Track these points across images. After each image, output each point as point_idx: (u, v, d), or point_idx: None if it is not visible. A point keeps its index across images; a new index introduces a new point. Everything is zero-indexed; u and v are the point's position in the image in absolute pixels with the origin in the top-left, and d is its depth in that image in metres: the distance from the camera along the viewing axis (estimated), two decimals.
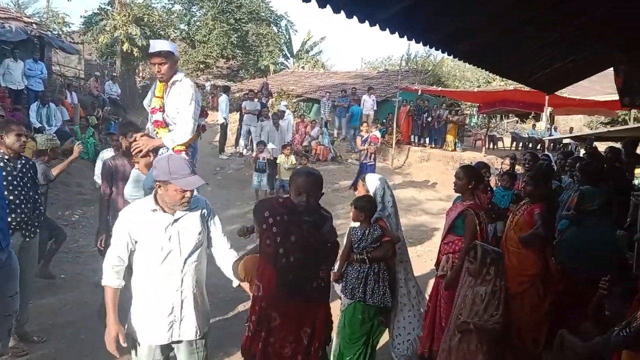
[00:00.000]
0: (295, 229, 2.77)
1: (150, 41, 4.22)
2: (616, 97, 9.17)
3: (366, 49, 78.23)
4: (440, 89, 22.29)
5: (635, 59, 6.16)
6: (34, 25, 15.85)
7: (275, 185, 11.49)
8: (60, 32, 23.11)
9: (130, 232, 2.84)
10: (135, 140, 4.15)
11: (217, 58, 29.35)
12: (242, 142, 15.64)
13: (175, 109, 4.09)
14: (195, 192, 3.01)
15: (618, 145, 10.37)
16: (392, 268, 4.05)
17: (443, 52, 4.87)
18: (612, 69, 7.23)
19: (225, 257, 3.18)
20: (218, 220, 3.18)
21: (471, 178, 4.39)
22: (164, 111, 4.18)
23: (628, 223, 6.64)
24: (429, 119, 17.98)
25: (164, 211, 2.86)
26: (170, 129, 4.15)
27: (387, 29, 3.61)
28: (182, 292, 2.88)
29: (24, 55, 13.33)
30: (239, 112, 16.10)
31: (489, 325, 3.21)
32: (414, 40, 4.17)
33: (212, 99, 21.85)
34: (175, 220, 2.87)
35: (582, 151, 11.39)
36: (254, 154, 12.19)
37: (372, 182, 4.28)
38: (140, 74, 26.29)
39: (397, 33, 3.75)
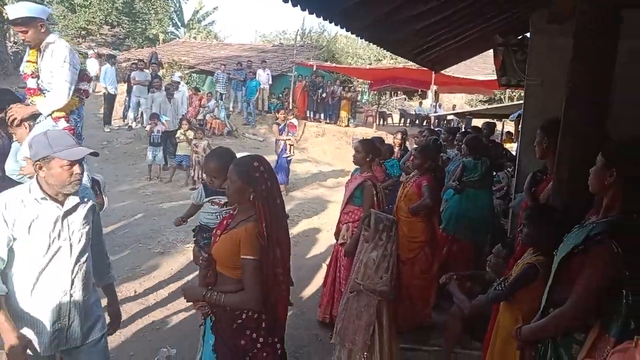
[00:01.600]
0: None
1: (6, 7, 3.85)
2: (494, 77, 9.93)
3: (260, 22, 77.23)
4: (334, 65, 22.69)
5: (512, 43, 6.69)
6: None
7: (174, 160, 11.09)
8: None
9: (10, 225, 2.33)
10: (10, 109, 3.79)
11: (101, 24, 27.41)
12: (131, 114, 14.83)
13: (49, 72, 3.82)
14: (84, 180, 2.67)
15: (494, 121, 11.29)
16: None
17: (341, 26, 4.93)
18: (491, 50, 7.81)
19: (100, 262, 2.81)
20: (99, 218, 2.83)
21: (369, 151, 4.59)
22: (38, 77, 3.89)
23: (504, 192, 7.32)
24: (324, 95, 18.26)
25: (53, 200, 2.42)
26: (46, 95, 3.87)
27: (289, 2, 3.58)
28: (71, 295, 2.48)
29: None
30: (126, 83, 15.22)
31: (378, 287, 3.40)
32: (314, 14, 4.18)
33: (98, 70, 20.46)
34: (67, 213, 2.45)
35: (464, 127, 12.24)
36: (146, 127, 11.64)
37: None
38: (12, 39, 23.85)
39: (298, 6, 3.74)
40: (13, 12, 3.70)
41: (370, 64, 28.19)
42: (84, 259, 2.55)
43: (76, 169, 2.41)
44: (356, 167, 4.84)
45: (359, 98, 22.40)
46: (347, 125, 18.30)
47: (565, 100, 2.82)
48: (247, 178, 2.41)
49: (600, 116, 2.72)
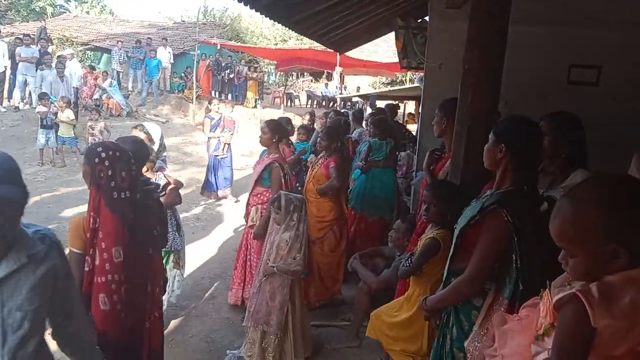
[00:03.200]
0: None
1: None
2: (396, 59, 10.23)
3: None
4: (239, 44, 22.26)
5: (412, 26, 6.93)
6: None
7: (58, 142, 10.38)
8: None
9: None
10: None
11: None
12: (17, 94, 13.64)
13: None
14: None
15: (397, 103, 11.71)
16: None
17: (244, 4, 4.83)
18: (393, 33, 8.04)
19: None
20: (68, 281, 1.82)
21: (275, 132, 4.58)
22: None
23: (405, 171, 7.63)
24: (231, 75, 17.90)
25: None
26: None
27: None
28: None
29: None
30: (10, 60, 13.93)
31: (292, 268, 3.44)
32: None
33: None
34: None
35: (369, 109, 12.56)
36: (36, 108, 10.76)
37: (153, 129, 4.31)
38: None
39: None
40: None
41: (276, 44, 27.98)
42: (24, 351, 1.64)
43: None
44: (264, 148, 4.82)
45: (265, 79, 22.22)
46: (255, 107, 18.11)
47: (461, 82, 2.98)
48: (88, 163, 2.24)
49: (492, 97, 2.90)
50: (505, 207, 1.98)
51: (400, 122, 14.01)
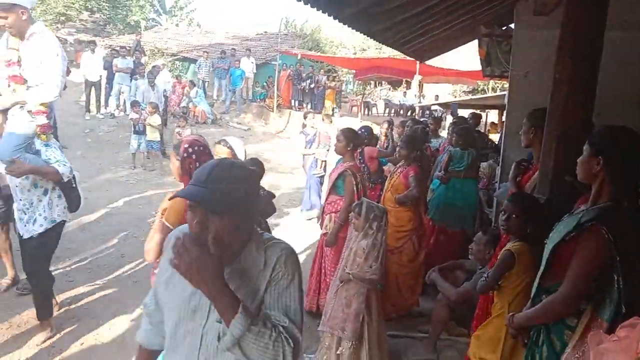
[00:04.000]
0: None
1: None
2: (478, 67, 9.99)
3: (244, 10, 76.40)
4: (319, 54, 22.61)
5: (496, 33, 6.74)
6: None
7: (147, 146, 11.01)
8: None
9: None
10: None
11: (80, 10, 26.92)
12: (113, 102, 14.64)
13: (35, 63, 3.69)
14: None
15: (479, 112, 11.39)
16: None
17: (328, 14, 4.91)
18: (476, 41, 7.86)
19: None
20: None
21: (350, 140, 4.59)
22: (21, 65, 3.74)
23: (487, 182, 7.40)
24: (312, 85, 18.21)
25: None
26: (29, 85, 3.74)
27: None
28: None
29: None
30: (107, 70, 14.98)
31: (367, 276, 3.44)
32: (302, 1, 4.15)
33: (76, 55, 20.09)
34: None
35: (450, 118, 12.31)
36: (129, 115, 11.51)
37: (236, 144, 4.43)
38: None
39: None
40: None
41: (355, 53, 28.15)
42: None
43: None
44: (340, 157, 4.85)
45: (343, 87, 22.39)
46: (332, 115, 18.31)
47: (552, 91, 2.86)
48: (178, 157, 2.66)
49: (585, 108, 2.77)
50: (605, 224, 1.87)
51: (482, 131, 13.62)
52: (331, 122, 8.79)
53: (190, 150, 2.61)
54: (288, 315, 1.47)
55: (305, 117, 9.67)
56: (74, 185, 3.97)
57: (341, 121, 17.33)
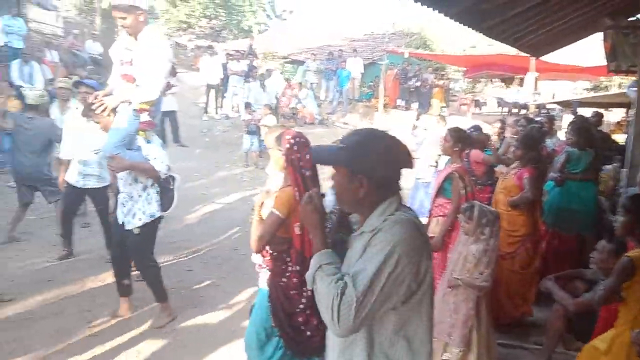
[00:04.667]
0: None
1: None
2: (600, 62, 9.27)
3: (350, 11, 76.90)
4: (427, 52, 22.19)
5: (622, 25, 6.22)
6: None
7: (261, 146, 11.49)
8: None
9: None
10: (96, 98, 3.93)
11: (199, 17, 28.67)
12: (228, 103, 15.49)
13: (145, 64, 3.90)
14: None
15: (602, 110, 10.55)
16: None
17: (439, 11, 4.83)
18: (598, 34, 7.29)
19: None
20: None
21: (458, 140, 4.45)
22: (132, 65, 3.97)
23: (611, 187, 6.83)
24: (418, 84, 17.93)
25: None
26: (137, 84, 3.95)
27: None
28: None
29: (1, 11, 12.86)
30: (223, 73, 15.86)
31: (477, 283, 3.33)
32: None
33: (194, 59, 21.45)
34: None
35: (569, 116, 11.54)
36: (242, 117, 12.11)
37: None
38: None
39: None
40: None
41: (464, 50, 27.27)
42: None
43: None
44: (448, 157, 4.73)
45: (451, 85, 21.79)
46: (440, 114, 17.89)
47: None
48: (281, 149, 2.91)
49: None
50: None
51: (605, 131, 12.59)
52: (445, 124, 8.25)
53: (293, 141, 2.82)
54: (354, 279, 1.53)
55: (417, 119, 9.32)
56: (171, 187, 4.22)
57: (449, 120, 16.91)
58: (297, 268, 2.89)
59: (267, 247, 3.00)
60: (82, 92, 5.10)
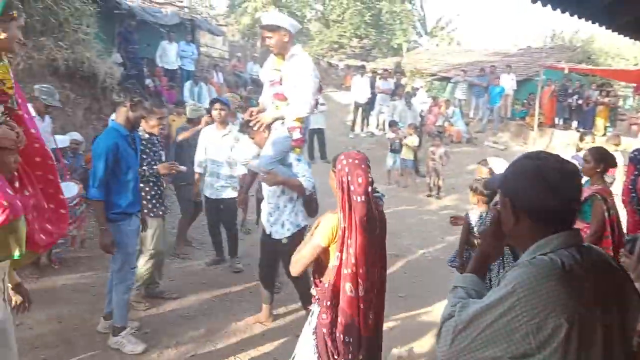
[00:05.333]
0: None
1: (263, 13, 4.22)
2: None
3: (504, 25, 73.70)
4: (590, 67, 20.38)
5: None
6: (185, 9, 17.18)
7: (401, 164, 11.42)
8: (207, 15, 24.77)
9: None
10: (251, 114, 4.23)
11: (351, 37, 29.52)
12: (373, 121, 15.70)
13: (293, 83, 4.07)
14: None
15: None
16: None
17: (599, 24, 4.43)
18: None
19: None
20: None
21: (599, 161, 4.17)
22: (282, 84, 4.17)
23: None
24: (580, 101, 16.51)
25: None
26: (288, 102, 4.15)
27: (539, 2, 3.40)
28: None
29: (178, 38, 14.51)
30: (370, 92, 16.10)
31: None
32: (567, 13, 3.86)
33: (345, 78, 22.10)
34: None
35: None
36: (387, 135, 12.19)
37: (497, 164, 4.20)
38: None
39: (549, 5, 3.51)
40: (266, 18, 4.18)
41: (636, 64, 24.58)
42: None
43: None
44: (587, 178, 4.32)
45: (620, 103, 19.70)
46: (604, 135, 16.25)
47: None
48: (333, 170, 2.70)
49: None
50: None
51: None
52: (618, 145, 7.51)
53: (344, 162, 2.64)
54: (464, 307, 1.46)
55: (581, 139, 8.39)
56: (314, 196, 4.35)
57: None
58: (328, 303, 2.65)
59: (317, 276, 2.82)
60: (218, 109, 5.66)
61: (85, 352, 4.04)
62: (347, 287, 2.58)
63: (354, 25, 28.27)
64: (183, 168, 5.19)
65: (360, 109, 15.58)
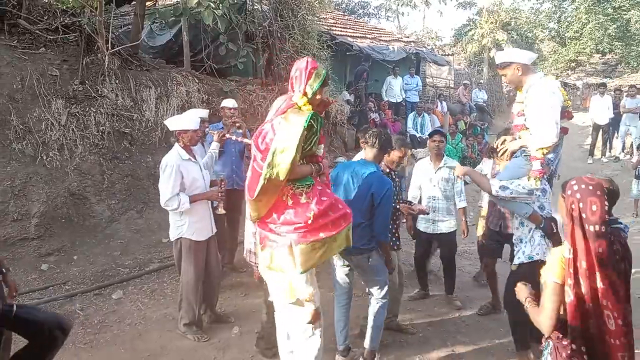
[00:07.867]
0: None
1: (497, 53, 4.23)
2: None
3: None
4: None
5: None
6: (411, 43, 17.83)
7: None
8: (434, 47, 25.28)
9: None
10: (503, 143, 4.36)
11: (591, 54, 26.89)
12: (619, 144, 13.90)
13: (532, 113, 4.00)
14: None
15: None
16: None
17: None
18: None
19: None
20: None
21: None
22: (523, 115, 4.14)
23: None
24: None
25: None
26: (530, 132, 4.05)
27: None
28: None
29: (402, 72, 15.14)
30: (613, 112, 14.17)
31: None
32: None
33: (584, 100, 20.15)
34: None
35: None
36: (632, 159, 10.72)
37: None
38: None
39: None
40: (497, 57, 4.20)
41: None
42: None
43: None
44: None
45: None
46: None
47: None
48: (563, 195, 2.44)
49: None
50: None
51: None
52: None
53: (575, 188, 2.37)
54: None
55: None
56: (555, 230, 4.09)
57: None
58: (573, 347, 2.37)
59: None
60: (437, 141, 5.68)
61: None
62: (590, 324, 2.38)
63: (595, 40, 25.72)
64: (424, 208, 5.16)
65: (600, 131, 13.93)
